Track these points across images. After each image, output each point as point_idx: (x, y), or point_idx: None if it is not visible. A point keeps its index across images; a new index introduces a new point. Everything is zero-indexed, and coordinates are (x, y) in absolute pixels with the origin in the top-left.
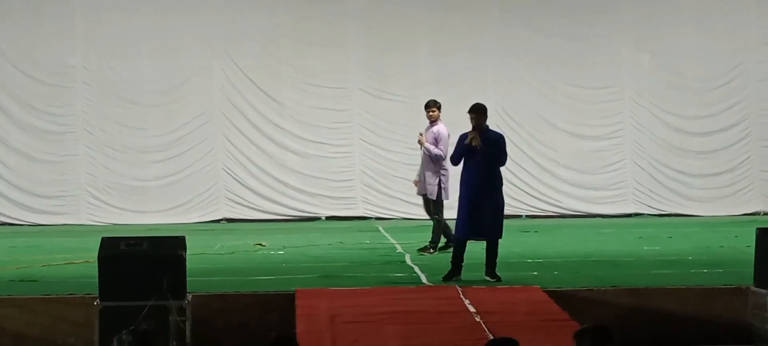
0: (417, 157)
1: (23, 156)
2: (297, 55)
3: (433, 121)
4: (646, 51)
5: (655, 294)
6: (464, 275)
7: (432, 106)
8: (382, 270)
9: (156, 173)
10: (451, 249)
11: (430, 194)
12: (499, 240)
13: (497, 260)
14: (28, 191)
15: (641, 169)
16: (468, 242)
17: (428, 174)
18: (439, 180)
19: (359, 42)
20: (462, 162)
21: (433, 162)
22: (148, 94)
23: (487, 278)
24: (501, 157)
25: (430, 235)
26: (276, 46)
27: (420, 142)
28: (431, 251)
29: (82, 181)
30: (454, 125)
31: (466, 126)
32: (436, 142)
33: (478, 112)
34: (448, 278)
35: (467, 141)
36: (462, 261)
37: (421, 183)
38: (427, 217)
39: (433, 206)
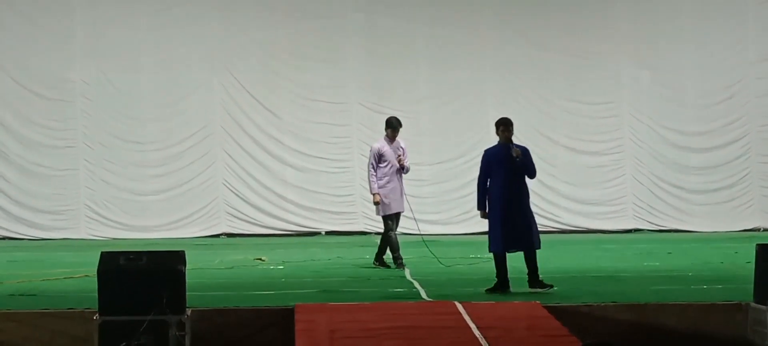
0: (416, 172)
1: (22, 170)
2: (296, 70)
3: (393, 139)
4: (646, 67)
5: (655, 310)
6: (465, 290)
7: (398, 124)
8: (382, 285)
9: (155, 188)
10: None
11: (404, 209)
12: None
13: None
14: (27, 206)
15: (641, 185)
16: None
17: (404, 190)
18: None
19: (358, 57)
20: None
21: (402, 177)
22: (147, 108)
23: (537, 290)
24: (532, 169)
25: (387, 249)
26: (275, 61)
27: (402, 163)
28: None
29: (82, 195)
30: (454, 139)
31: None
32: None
33: (507, 124)
34: (494, 290)
35: (514, 155)
36: (507, 273)
37: (399, 201)
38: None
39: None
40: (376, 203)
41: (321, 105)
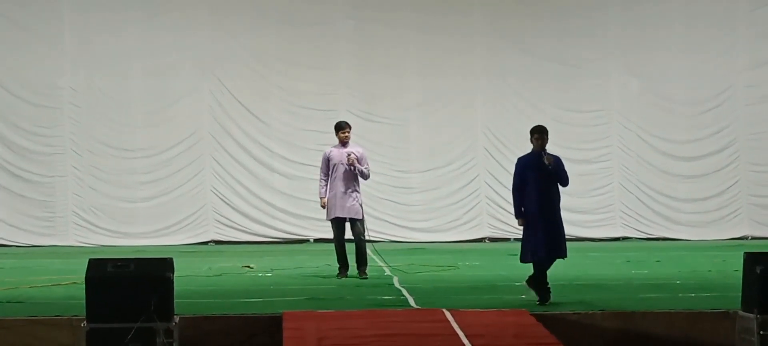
0: (406, 179)
1: (11, 176)
2: (285, 77)
3: (344, 143)
4: (635, 74)
5: (643, 318)
6: (453, 298)
7: (347, 127)
8: (370, 293)
9: (144, 195)
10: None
11: (357, 214)
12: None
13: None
14: (15, 212)
15: (629, 193)
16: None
17: (356, 195)
18: (360, 201)
19: (348, 64)
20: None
21: (357, 183)
22: (136, 115)
23: (530, 288)
24: (565, 177)
25: (357, 257)
26: (265, 67)
27: (352, 164)
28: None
29: (70, 202)
30: (443, 146)
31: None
32: (358, 162)
33: (542, 132)
34: (543, 302)
35: (546, 162)
36: (548, 283)
37: (340, 206)
38: (330, 239)
39: (361, 225)
40: (323, 207)
41: (310, 112)
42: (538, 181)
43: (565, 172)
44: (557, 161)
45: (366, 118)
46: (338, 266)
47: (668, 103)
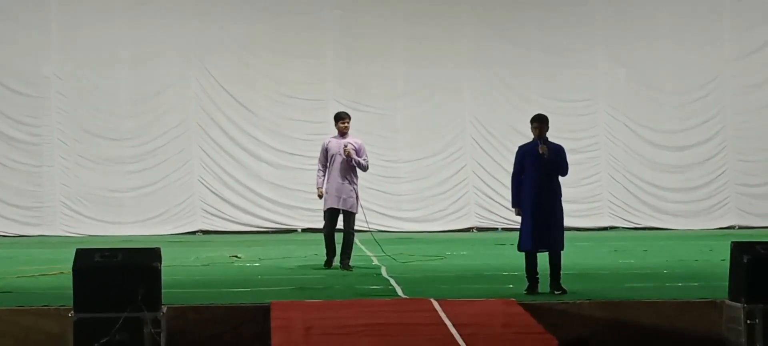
0: (393, 169)
1: None
2: (273, 66)
3: (343, 133)
4: (622, 64)
5: (631, 307)
6: (440, 287)
7: (346, 117)
8: (358, 282)
9: (131, 184)
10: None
11: (352, 207)
12: (561, 252)
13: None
14: (2, 201)
15: (616, 183)
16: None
17: (350, 188)
18: (356, 193)
19: (335, 53)
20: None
21: (355, 175)
22: (123, 104)
23: (555, 292)
24: (564, 167)
25: (342, 248)
26: (252, 57)
27: (348, 154)
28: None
29: (57, 192)
30: (431, 136)
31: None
32: (356, 153)
33: (541, 121)
34: (531, 292)
35: (541, 152)
36: (537, 273)
37: (336, 197)
38: (320, 231)
39: (352, 219)
40: (320, 197)
41: (297, 102)
42: (536, 170)
43: (566, 161)
44: (556, 150)
45: (353, 108)
46: (326, 255)
47: (656, 93)
